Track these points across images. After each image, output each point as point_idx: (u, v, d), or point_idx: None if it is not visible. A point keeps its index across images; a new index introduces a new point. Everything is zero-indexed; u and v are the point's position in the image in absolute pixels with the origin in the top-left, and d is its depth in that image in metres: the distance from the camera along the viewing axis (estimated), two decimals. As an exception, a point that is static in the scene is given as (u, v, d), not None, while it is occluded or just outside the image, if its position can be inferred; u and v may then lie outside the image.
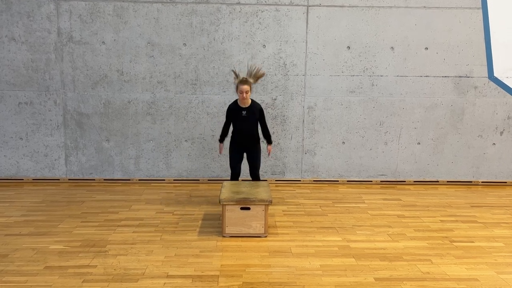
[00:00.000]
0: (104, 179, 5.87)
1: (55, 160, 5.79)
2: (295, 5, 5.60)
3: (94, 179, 5.86)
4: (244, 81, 4.47)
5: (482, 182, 6.05)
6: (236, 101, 4.68)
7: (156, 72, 5.69)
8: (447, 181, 6.02)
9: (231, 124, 4.77)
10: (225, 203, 3.91)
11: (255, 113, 4.61)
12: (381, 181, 5.98)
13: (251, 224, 3.96)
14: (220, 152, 4.96)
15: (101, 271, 3.29)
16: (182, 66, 5.68)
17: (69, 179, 5.84)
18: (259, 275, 3.27)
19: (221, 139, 4.89)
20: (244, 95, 4.46)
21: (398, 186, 5.87)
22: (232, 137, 4.80)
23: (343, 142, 5.89)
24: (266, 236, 4.00)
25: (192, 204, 4.95)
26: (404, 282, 3.20)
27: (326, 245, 3.85)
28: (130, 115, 5.76)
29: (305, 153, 5.89)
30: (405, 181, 5.99)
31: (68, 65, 5.63)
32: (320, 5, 5.61)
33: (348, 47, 5.71)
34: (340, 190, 5.63)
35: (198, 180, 5.91)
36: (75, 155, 5.82)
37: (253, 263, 3.47)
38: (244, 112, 4.58)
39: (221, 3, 5.57)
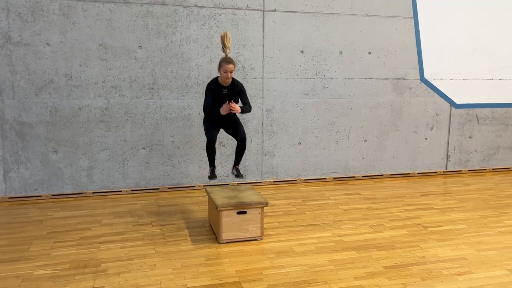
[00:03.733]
0: (53, 195, 5.33)
1: (-7, 176, 5.12)
2: (252, 9, 5.67)
3: (40, 196, 5.29)
4: (229, 60, 4.13)
5: (418, 173, 6.72)
6: (216, 79, 4.31)
7: (110, 76, 5.33)
8: (390, 174, 6.58)
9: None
10: (222, 208, 3.83)
11: (236, 92, 4.28)
12: (334, 178, 6.32)
13: (247, 228, 3.94)
14: (227, 106, 4.12)
15: (112, 292, 3.04)
16: (138, 69, 5.41)
17: (9, 198, 5.19)
18: (279, 277, 3.28)
19: (214, 110, 4.21)
20: (229, 74, 4.13)
21: (350, 182, 6.26)
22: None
23: (300, 143, 6.11)
24: (261, 239, 4.01)
25: (166, 214, 4.74)
26: (409, 267, 3.47)
27: (322, 241, 3.99)
28: (81, 123, 5.32)
29: (265, 155, 5.99)
30: (354, 177, 6.41)
31: (5, 69, 5.02)
32: (275, 10, 5.76)
33: (302, 51, 5.94)
34: (301, 189, 5.83)
35: (158, 189, 5.66)
36: (16, 170, 5.19)
37: (266, 266, 3.47)
38: (225, 91, 4.24)
39: (178, 5, 5.42)
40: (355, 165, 6.41)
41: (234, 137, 4.46)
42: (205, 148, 4.41)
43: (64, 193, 5.37)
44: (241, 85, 4.37)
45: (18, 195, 5.22)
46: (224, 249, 3.80)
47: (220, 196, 4.04)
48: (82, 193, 5.42)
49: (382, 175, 6.54)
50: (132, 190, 5.58)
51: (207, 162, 5.54)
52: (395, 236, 4.15)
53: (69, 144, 5.31)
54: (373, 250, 3.81)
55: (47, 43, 5.09)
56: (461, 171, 6.92)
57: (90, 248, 3.80)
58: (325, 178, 6.30)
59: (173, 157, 5.66)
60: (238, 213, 3.90)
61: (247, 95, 4.48)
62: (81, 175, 5.40)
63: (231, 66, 4.15)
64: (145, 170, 5.60)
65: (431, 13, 6.38)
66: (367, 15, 6.11)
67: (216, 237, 4.00)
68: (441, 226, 4.45)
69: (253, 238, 3.98)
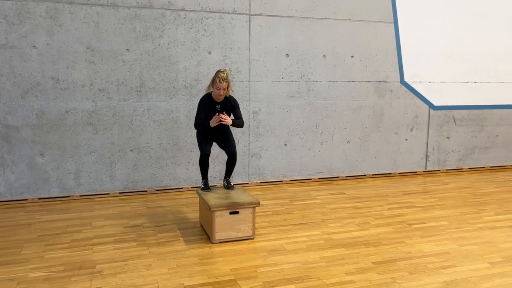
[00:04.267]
0: (39, 198, 5.29)
1: (-22, 180, 5.05)
2: (238, 13, 5.77)
3: (26, 199, 5.25)
4: (222, 78, 4.14)
5: (399, 173, 6.93)
6: (209, 94, 4.33)
7: (97, 79, 5.34)
8: (372, 174, 6.77)
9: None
10: (215, 209, 3.91)
11: (230, 107, 4.34)
12: (319, 178, 6.47)
13: (240, 227, 4.03)
14: (218, 117, 4.21)
15: (110, 292, 3.07)
16: (125, 72, 5.43)
17: (-5, 202, 5.14)
18: (273, 274, 3.38)
19: (206, 123, 4.26)
20: (222, 91, 4.18)
21: (334, 182, 6.41)
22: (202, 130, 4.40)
23: (285, 144, 6.24)
24: (253, 238, 4.10)
25: (157, 216, 4.78)
26: (396, 262, 3.62)
27: (312, 239, 4.11)
28: (68, 126, 5.30)
29: (252, 157, 6.09)
30: (338, 177, 6.57)
31: (-9, 72, 4.97)
32: (261, 14, 5.87)
33: (287, 55, 6.07)
34: (287, 190, 5.94)
35: (146, 191, 5.69)
36: (1, 174, 5.14)
37: (260, 264, 3.56)
38: (218, 106, 4.28)
39: (165, 8, 5.48)
40: (339, 165, 6.57)
41: (224, 151, 4.48)
42: (198, 162, 4.46)
43: (51, 196, 5.34)
44: (235, 100, 4.40)
45: (4, 199, 5.17)
46: (217, 248, 3.87)
47: (213, 197, 4.11)
48: (69, 196, 5.40)
49: (365, 175, 6.73)
50: (120, 193, 5.59)
51: (195, 164, 5.64)
52: (381, 233, 4.30)
53: (56, 147, 5.28)
54: (362, 247, 3.94)
55: (34, 46, 5.07)
56: (439, 170, 7.17)
57: (83, 250, 3.81)
58: (310, 179, 6.43)
59: (160, 159, 5.70)
60: (230, 213, 3.98)
61: (240, 110, 4.49)
62: (68, 178, 5.38)
63: (224, 84, 4.14)
64: (133, 173, 5.62)
65: (410, 19, 6.61)
66: (349, 19, 6.29)
67: (209, 237, 4.07)
68: (424, 223, 4.63)
69: (245, 238, 4.07)
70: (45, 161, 5.27)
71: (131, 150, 5.57)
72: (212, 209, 3.90)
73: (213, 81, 4.23)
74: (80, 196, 5.44)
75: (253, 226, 4.08)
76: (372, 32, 6.44)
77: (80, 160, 5.39)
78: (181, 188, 5.82)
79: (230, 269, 3.45)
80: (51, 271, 3.39)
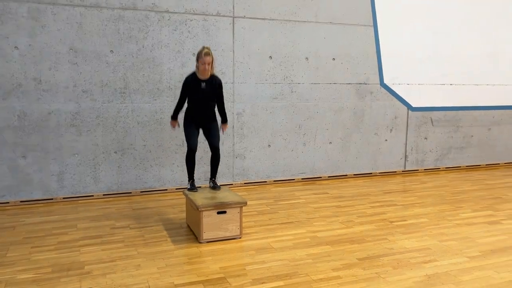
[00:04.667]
0: (21, 201, 5.23)
1: (-42, 183, 4.96)
2: (222, 15, 5.83)
3: (8, 202, 5.18)
4: (207, 53, 4.16)
5: (379, 173, 7.10)
6: (193, 73, 4.33)
7: (81, 80, 5.32)
8: (354, 174, 6.92)
9: (186, 100, 4.45)
10: (203, 209, 3.95)
11: (215, 86, 4.35)
12: (302, 179, 6.57)
13: (227, 227, 4.08)
14: (174, 127, 4.62)
15: (100, 292, 3.08)
16: (109, 73, 5.42)
17: (-25, 205, 5.05)
18: (261, 271, 3.44)
19: (175, 115, 4.55)
20: (207, 66, 4.16)
21: (317, 182, 6.53)
22: (186, 113, 4.47)
23: (269, 145, 6.32)
24: (240, 237, 4.16)
25: (143, 217, 4.79)
26: (380, 258, 3.73)
27: (298, 238, 4.19)
28: (51, 128, 5.26)
29: (236, 158, 6.14)
30: (321, 177, 6.69)
31: (-29, 73, 4.89)
32: (244, 17, 5.95)
33: (270, 57, 6.16)
34: (272, 190, 6.02)
35: (130, 193, 5.68)
36: (-18, 176, 5.06)
37: (248, 262, 3.62)
38: (203, 84, 4.27)
39: (149, 10, 5.49)
40: (321, 166, 6.69)
41: (208, 143, 4.51)
42: (184, 161, 4.49)
43: (33, 199, 5.28)
44: (220, 81, 4.42)
45: (-16, 202, 5.08)
46: (205, 248, 3.91)
47: (199, 197, 4.15)
48: (52, 199, 5.35)
49: (346, 175, 6.86)
50: (104, 195, 5.56)
51: (179, 165, 5.66)
52: (364, 230, 4.42)
53: (38, 149, 5.23)
54: (346, 244, 4.05)
55: (15, 47, 5.01)
56: (418, 170, 7.38)
57: (70, 251, 3.80)
58: (294, 179, 6.53)
59: (145, 160, 5.70)
60: (218, 213, 4.02)
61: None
62: (51, 181, 5.33)
63: (209, 58, 4.16)
64: (117, 174, 5.60)
65: (390, 22, 6.79)
66: (331, 23, 6.43)
67: (196, 237, 4.11)
68: (405, 220, 4.77)
69: (232, 237, 4.12)
70: (27, 163, 5.21)
71: (115, 152, 5.56)
72: (200, 209, 3.94)
73: (198, 57, 4.24)
74: (64, 198, 5.39)
75: (241, 225, 4.13)
76: (352, 35, 6.59)
77: (63, 162, 5.35)
78: (166, 189, 5.83)
79: (219, 268, 3.50)
80: (39, 272, 3.38)
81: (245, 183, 6.22)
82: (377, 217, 4.85)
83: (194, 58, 5.68)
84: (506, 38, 7.65)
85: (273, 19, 6.09)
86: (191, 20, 5.69)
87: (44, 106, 5.19)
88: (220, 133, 4.60)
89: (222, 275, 3.36)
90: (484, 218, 4.89)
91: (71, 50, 5.23)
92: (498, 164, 8.00)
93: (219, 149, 4.49)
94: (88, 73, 5.33)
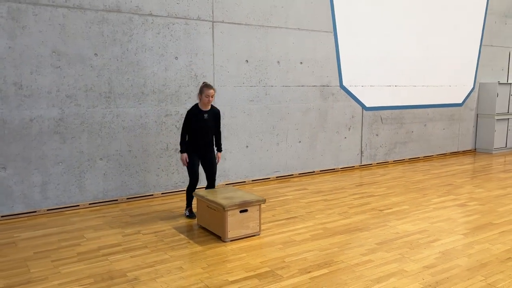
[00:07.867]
0: (2, 216, 4.82)
1: None
2: (202, 20, 5.92)
3: (-14, 218, 4.75)
4: (210, 86, 4.59)
5: (340, 168, 7.66)
6: (196, 105, 4.71)
7: (64, 85, 5.06)
8: (320, 170, 7.39)
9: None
10: (228, 208, 4.06)
11: (216, 115, 4.80)
12: (276, 177, 6.87)
13: (248, 224, 4.23)
14: (186, 163, 4.72)
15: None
16: (94, 78, 5.23)
17: (-51, 223, 4.56)
18: (301, 262, 3.67)
19: (184, 148, 4.73)
20: (210, 99, 4.60)
21: (291, 179, 6.88)
22: (188, 144, 4.75)
23: (247, 146, 6.52)
24: (259, 234, 4.34)
25: (147, 223, 4.72)
26: (394, 242, 4.17)
27: (312, 230, 4.48)
28: (33, 136, 4.93)
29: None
30: (292, 175, 7.05)
31: None
32: (223, 22, 6.09)
33: (247, 61, 6.38)
34: (254, 189, 6.23)
35: (116, 200, 5.51)
36: (-44, 192, 4.59)
37: (282, 255, 3.82)
38: (206, 115, 4.68)
39: (133, 13, 5.40)
40: (293, 164, 7.05)
41: (206, 173, 4.87)
42: (186, 190, 4.91)
43: (15, 213, 4.90)
44: (219, 111, 4.86)
45: (-40, 220, 4.61)
46: (233, 246, 4.03)
47: (219, 198, 4.25)
48: (35, 211, 5.01)
49: (314, 171, 7.31)
50: (90, 204, 5.33)
51: (164, 170, 5.67)
52: (363, 219, 4.84)
53: (19, 159, 4.87)
54: (356, 232, 4.43)
55: (-7, 49, 4.63)
56: (371, 164, 8.08)
57: (99, 261, 3.67)
58: (269, 178, 6.80)
59: (130, 166, 5.57)
60: (241, 211, 4.16)
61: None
62: (34, 192, 4.99)
63: (212, 91, 4.60)
64: (102, 182, 5.40)
65: (347, 29, 7.39)
66: (298, 29, 6.82)
67: (218, 237, 4.19)
68: (390, 208, 5.31)
69: (253, 234, 4.28)
70: (7, 174, 4.82)
71: (101, 159, 5.36)
72: (225, 209, 4.05)
73: (201, 91, 4.62)
74: (48, 210, 5.08)
75: (260, 222, 4.31)
76: (316, 41, 7.06)
77: (47, 171, 5.04)
78: (152, 194, 5.75)
79: (260, 262, 3.65)
80: (83, 284, 3.25)
81: (226, 184, 6.35)
82: (365, 207, 5.32)
83: (177, 62, 5.73)
84: (437, 43, 8.71)
85: (248, 24, 6.31)
86: (173, 24, 5.69)
87: (25, 112, 4.86)
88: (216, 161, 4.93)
89: (268, 269, 3.52)
90: (451, 202, 5.61)
91: (53, 53, 4.95)
92: (432, 156, 9.05)
93: (215, 183, 4.90)
94: (72, 77, 5.08)
